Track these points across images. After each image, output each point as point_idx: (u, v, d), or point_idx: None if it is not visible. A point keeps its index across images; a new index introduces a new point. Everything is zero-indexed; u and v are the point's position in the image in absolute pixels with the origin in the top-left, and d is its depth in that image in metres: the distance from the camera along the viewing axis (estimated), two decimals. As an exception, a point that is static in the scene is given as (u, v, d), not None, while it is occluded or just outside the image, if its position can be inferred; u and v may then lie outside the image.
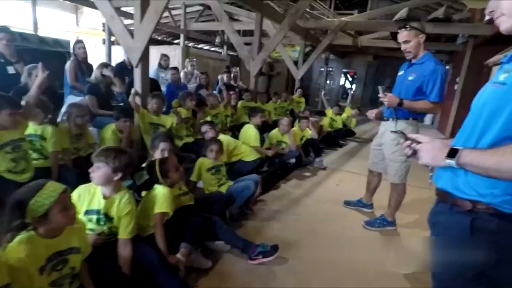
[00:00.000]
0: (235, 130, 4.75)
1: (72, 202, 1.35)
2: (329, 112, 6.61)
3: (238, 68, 7.54)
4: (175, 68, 5.16)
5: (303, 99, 7.70)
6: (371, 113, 2.63)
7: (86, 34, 9.95)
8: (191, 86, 5.66)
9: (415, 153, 1.08)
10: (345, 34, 9.00)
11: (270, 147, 4.18)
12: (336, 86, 13.65)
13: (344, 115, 6.82)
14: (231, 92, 4.84)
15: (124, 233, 1.69)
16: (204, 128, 3.32)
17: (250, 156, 3.47)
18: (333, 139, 6.06)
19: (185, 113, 3.64)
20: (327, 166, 4.54)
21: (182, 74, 5.86)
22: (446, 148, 0.96)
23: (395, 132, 1.28)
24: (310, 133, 4.70)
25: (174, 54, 8.91)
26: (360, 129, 8.28)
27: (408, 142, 1.11)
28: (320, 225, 2.76)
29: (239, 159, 3.43)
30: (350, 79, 14.99)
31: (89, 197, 1.68)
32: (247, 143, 3.66)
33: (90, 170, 1.64)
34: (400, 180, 2.54)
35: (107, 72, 3.58)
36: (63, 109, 2.62)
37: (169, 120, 3.31)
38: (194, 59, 6.22)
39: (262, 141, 4.42)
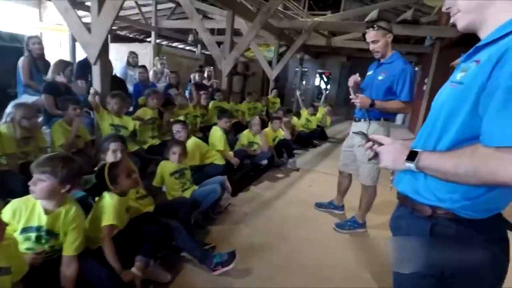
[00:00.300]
0: (206, 131, 4.60)
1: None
2: (304, 112, 6.60)
3: (212, 67, 7.38)
4: (143, 67, 4.94)
5: (278, 100, 7.65)
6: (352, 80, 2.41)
7: (50, 30, 9.40)
8: (161, 85, 5.45)
9: (377, 155, 1.04)
10: (319, 34, 9.05)
11: (243, 148, 4.07)
12: (311, 86, 13.76)
13: (319, 114, 6.83)
14: (201, 92, 4.68)
15: (69, 249, 1.51)
16: (176, 127, 3.13)
17: (222, 159, 3.35)
18: (307, 139, 6.04)
19: (150, 114, 3.45)
20: (300, 167, 4.49)
21: (151, 73, 5.64)
22: (406, 151, 0.92)
23: (357, 133, 1.22)
24: (283, 133, 4.63)
25: (145, 52, 8.60)
26: (333, 129, 8.36)
27: (370, 143, 1.06)
28: (290, 229, 2.68)
29: (211, 162, 3.29)
30: (325, 79, 15.20)
31: (27, 213, 1.46)
32: (214, 146, 3.52)
33: (30, 183, 1.42)
34: (372, 182, 2.52)
35: (60, 78, 3.28)
36: (7, 109, 2.37)
37: (131, 122, 3.11)
38: (164, 58, 6.00)
39: (235, 142, 4.30)
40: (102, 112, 2.86)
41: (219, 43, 6.26)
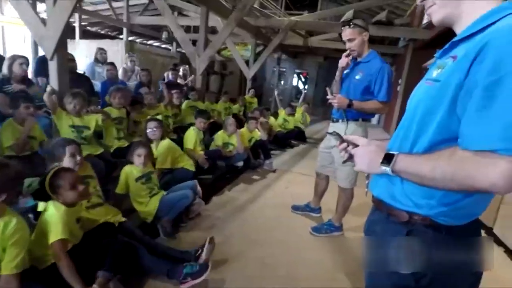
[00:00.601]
0: (180, 132, 4.41)
1: None
2: (282, 112, 6.52)
3: (187, 66, 7.15)
4: (112, 64, 4.65)
5: (255, 99, 7.54)
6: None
7: (12, 24, 8.78)
8: (132, 83, 5.18)
9: (351, 157, 0.99)
10: (296, 34, 9.04)
11: (217, 149, 3.91)
12: (289, 86, 13.77)
13: (297, 115, 6.77)
14: (174, 91, 4.47)
15: (7, 267, 1.31)
16: (151, 125, 2.90)
17: (192, 166, 3.17)
18: (285, 139, 5.97)
19: (116, 113, 3.22)
20: (277, 168, 4.39)
21: (120, 70, 5.34)
22: (382, 153, 0.87)
23: (331, 134, 1.14)
24: (259, 134, 4.51)
25: (117, 49, 8.18)
26: (311, 129, 8.37)
27: (344, 145, 1.01)
28: (266, 233, 2.56)
29: (182, 166, 3.11)
30: (303, 79, 15.26)
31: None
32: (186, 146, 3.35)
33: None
34: (350, 185, 2.45)
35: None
36: None
37: (93, 120, 2.87)
38: (134, 55, 5.72)
39: (211, 143, 4.14)
40: (60, 113, 2.62)
41: (195, 41, 6.07)
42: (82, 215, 1.71)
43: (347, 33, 2.22)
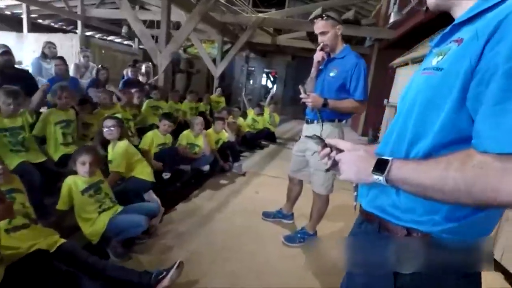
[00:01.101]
0: (140, 134, 4.04)
1: None
2: (251, 112, 6.31)
3: (150, 63, 6.70)
4: (60, 58, 4.15)
5: (222, 99, 7.26)
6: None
7: None
8: (86, 81, 4.70)
9: (336, 164, 0.83)
10: (264, 32, 8.89)
11: (175, 147, 3.60)
12: (258, 85, 13.61)
13: (266, 115, 6.60)
14: (133, 90, 4.09)
15: None
16: (109, 123, 2.53)
17: (151, 175, 2.75)
18: (254, 140, 5.76)
19: (62, 115, 2.81)
20: (246, 171, 4.17)
21: (72, 66, 4.83)
22: (372, 159, 0.72)
23: (310, 137, 0.95)
24: (226, 135, 4.26)
25: (71, 44, 7.53)
26: (280, 129, 8.25)
27: (327, 150, 0.86)
28: (234, 246, 2.32)
29: (135, 175, 2.72)
30: (272, 79, 15.19)
31: None
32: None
33: None
34: (326, 191, 2.26)
35: None
36: None
37: (27, 119, 2.48)
38: (88, 50, 5.22)
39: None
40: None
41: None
42: (1, 241, 1.36)
43: (319, 25, 2.05)
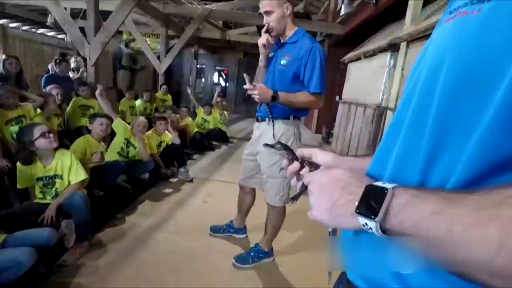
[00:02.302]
0: (66, 139, 3.38)
1: None
2: (200, 111, 5.82)
3: (79, 57, 5.85)
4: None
5: (169, 97, 6.66)
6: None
7: None
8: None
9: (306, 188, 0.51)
10: (213, 27, 8.42)
11: (118, 162, 3.04)
12: (209, 83, 13.06)
13: (216, 114, 6.15)
14: (51, 87, 3.40)
15: None
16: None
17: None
18: (204, 141, 5.29)
19: None
20: (194, 177, 3.71)
21: (-27, 58, 3.93)
22: (358, 187, 0.40)
23: (271, 146, 0.66)
24: (170, 137, 3.74)
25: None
26: (233, 129, 7.90)
27: (296, 165, 0.58)
28: (178, 273, 1.89)
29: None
30: (224, 77, 14.71)
31: None
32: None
33: None
34: (281, 202, 1.91)
35: None
36: None
37: None
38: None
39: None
40: None
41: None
42: None
43: (264, 3, 1.70)
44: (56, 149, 2.09)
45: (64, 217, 2.09)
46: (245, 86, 1.67)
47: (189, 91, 6.10)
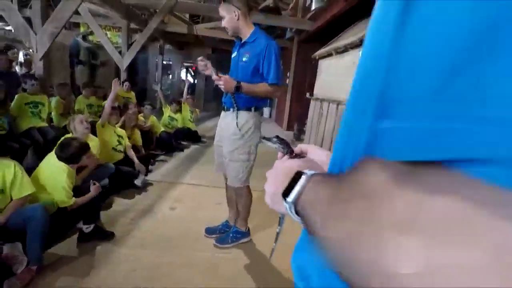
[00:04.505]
0: (11, 142, 2.97)
1: None
2: (167, 110, 5.49)
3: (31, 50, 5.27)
4: None
5: (132, 94, 6.21)
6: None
7: None
8: None
9: None
10: (180, 20, 8.03)
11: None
12: (176, 80, 12.58)
13: (184, 112, 5.85)
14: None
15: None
16: None
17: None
18: (171, 141, 4.98)
19: None
20: (147, 181, 3.39)
21: None
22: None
23: (268, 139, 0.60)
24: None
25: None
26: (204, 127, 7.63)
27: (282, 156, 0.56)
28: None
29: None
30: (193, 73, 14.24)
31: None
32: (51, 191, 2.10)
33: None
34: (240, 183, 2.09)
35: None
36: None
37: None
38: None
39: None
40: None
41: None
42: None
43: (219, 10, 1.96)
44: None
45: (11, 238, 1.78)
46: (213, 77, 1.87)
47: (157, 87, 5.74)
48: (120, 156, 3.27)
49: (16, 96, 3.45)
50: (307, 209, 0.33)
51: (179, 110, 5.69)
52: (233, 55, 2.08)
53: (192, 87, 13.13)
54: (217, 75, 1.85)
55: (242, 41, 2.00)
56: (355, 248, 0.23)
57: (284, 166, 0.45)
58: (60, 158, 2.14)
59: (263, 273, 1.97)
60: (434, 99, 0.19)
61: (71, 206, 2.14)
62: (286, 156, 0.54)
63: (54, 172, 2.13)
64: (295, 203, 0.35)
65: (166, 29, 8.05)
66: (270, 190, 0.45)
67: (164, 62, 11.09)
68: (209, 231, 2.37)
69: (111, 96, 3.11)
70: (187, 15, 8.35)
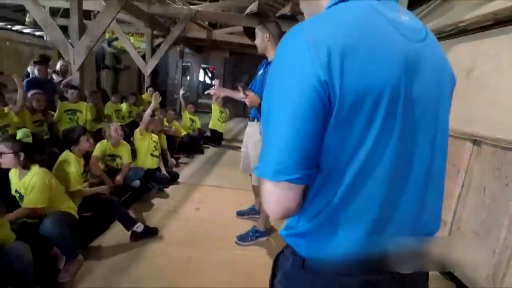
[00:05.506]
0: (52, 146, 3.29)
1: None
2: (185, 112, 5.76)
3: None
4: None
5: (155, 98, 6.56)
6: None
7: None
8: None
9: None
10: (199, 26, 8.34)
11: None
12: (195, 81, 12.95)
13: (215, 112, 6.05)
14: (34, 91, 3.31)
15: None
16: None
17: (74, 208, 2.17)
18: (193, 144, 5.27)
19: None
20: (185, 182, 3.69)
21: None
22: None
23: None
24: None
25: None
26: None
27: None
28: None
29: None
30: (210, 74, 14.59)
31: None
32: (63, 181, 2.26)
33: None
34: None
35: None
36: None
37: None
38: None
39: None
40: None
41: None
42: None
43: (256, 28, 2.29)
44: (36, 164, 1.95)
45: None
46: (240, 94, 2.13)
47: (181, 92, 5.93)
48: (155, 161, 3.54)
49: (59, 105, 3.80)
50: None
51: (196, 111, 5.92)
52: (259, 72, 2.39)
53: (207, 88, 13.47)
54: (244, 93, 2.13)
55: (268, 60, 2.31)
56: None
57: None
58: (65, 144, 2.37)
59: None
60: None
61: (81, 193, 2.34)
62: None
63: (64, 163, 2.31)
64: None
65: (187, 34, 8.37)
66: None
67: (183, 65, 11.45)
68: (240, 213, 2.94)
69: (151, 106, 3.39)
70: (206, 22, 8.64)
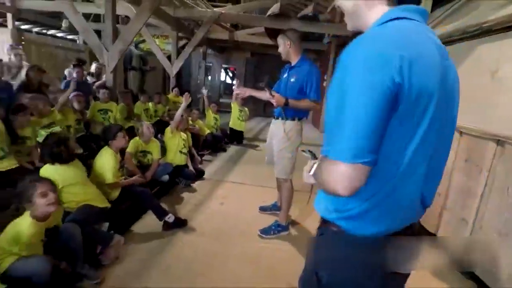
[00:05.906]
0: (87, 143, 3.56)
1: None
2: (209, 111, 5.96)
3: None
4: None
5: (181, 99, 6.80)
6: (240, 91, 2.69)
7: None
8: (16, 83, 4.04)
9: None
10: (222, 28, 8.54)
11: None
12: (217, 81, 13.22)
13: (235, 111, 6.24)
14: (75, 93, 3.59)
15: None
16: None
17: (105, 201, 2.36)
18: (216, 142, 5.46)
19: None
20: (210, 178, 3.87)
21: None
22: None
23: (304, 151, 1.09)
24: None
25: (1, 39, 6.61)
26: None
27: (312, 162, 0.92)
28: (202, 277, 2.06)
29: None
30: (231, 74, 14.81)
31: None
32: (102, 174, 2.51)
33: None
34: (286, 175, 2.59)
35: None
36: None
37: None
38: (20, 47, 4.52)
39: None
40: None
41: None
42: None
43: (278, 37, 2.51)
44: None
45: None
46: (267, 95, 2.36)
47: (204, 92, 6.12)
48: (184, 157, 3.74)
49: (92, 104, 4.09)
50: (316, 174, 0.79)
51: (219, 110, 6.09)
52: (283, 76, 2.59)
53: (228, 87, 13.71)
54: (270, 94, 2.35)
55: (292, 65, 2.53)
56: (320, 178, 0.72)
57: (309, 163, 0.90)
58: (104, 140, 2.63)
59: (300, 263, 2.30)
60: None
61: (117, 184, 2.56)
62: (311, 160, 0.93)
63: (103, 157, 2.54)
64: (313, 174, 0.84)
65: (210, 36, 8.60)
66: (304, 173, 0.90)
67: (205, 65, 11.72)
68: (262, 208, 3.11)
69: (182, 106, 3.57)
70: (229, 23, 8.83)
